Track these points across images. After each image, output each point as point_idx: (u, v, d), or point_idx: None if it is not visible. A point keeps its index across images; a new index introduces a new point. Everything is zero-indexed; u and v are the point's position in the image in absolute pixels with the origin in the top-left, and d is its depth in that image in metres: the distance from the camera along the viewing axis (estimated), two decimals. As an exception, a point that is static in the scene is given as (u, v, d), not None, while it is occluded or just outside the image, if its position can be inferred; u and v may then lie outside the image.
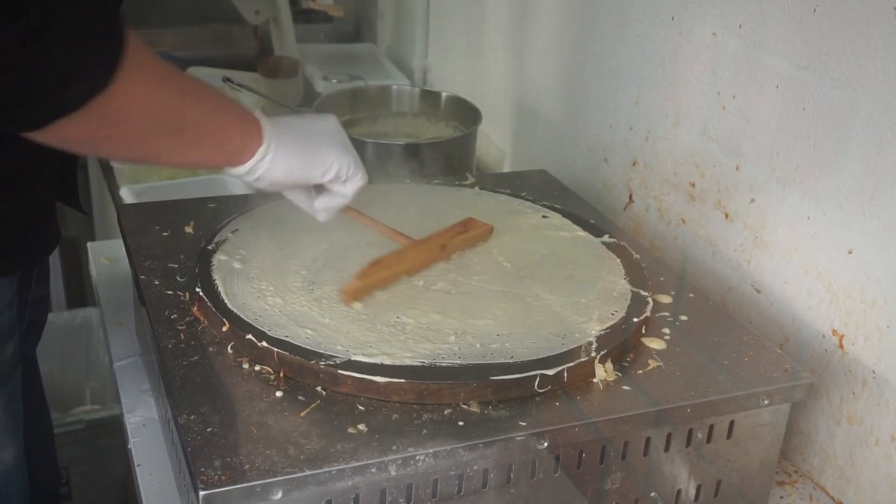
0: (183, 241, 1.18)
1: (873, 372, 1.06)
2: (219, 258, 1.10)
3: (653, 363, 1.00)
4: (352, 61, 2.40)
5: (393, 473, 0.84)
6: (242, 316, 0.99)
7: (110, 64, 0.84)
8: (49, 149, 1.10)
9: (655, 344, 1.03)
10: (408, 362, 0.93)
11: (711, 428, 0.98)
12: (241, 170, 1.01)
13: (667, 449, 0.97)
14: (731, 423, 0.98)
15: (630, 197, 1.49)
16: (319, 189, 1.09)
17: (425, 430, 0.87)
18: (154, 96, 0.91)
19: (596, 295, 1.08)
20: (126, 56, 0.85)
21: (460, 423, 0.88)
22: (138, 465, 1.08)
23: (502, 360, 0.94)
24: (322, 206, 1.10)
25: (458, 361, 0.94)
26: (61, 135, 0.87)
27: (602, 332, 1.00)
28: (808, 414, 1.16)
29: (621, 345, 1.00)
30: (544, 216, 1.28)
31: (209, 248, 1.12)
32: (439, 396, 0.90)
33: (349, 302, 1.03)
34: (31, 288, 1.24)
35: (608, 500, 0.96)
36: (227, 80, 1.74)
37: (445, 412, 0.89)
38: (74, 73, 0.82)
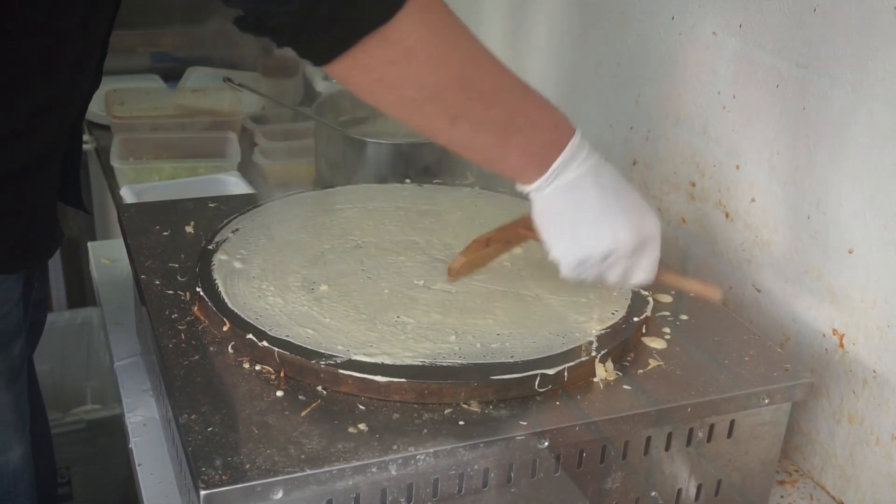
0: (183, 241, 1.18)
1: (874, 371, 1.06)
2: (219, 258, 1.10)
3: (653, 362, 1.00)
4: (352, 61, 2.39)
5: (393, 473, 0.84)
6: (243, 315, 0.99)
7: None
8: (52, 144, 1.10)
9: (656, 343, 1.03)
10: (408, 362, 0.93)
11: (712, 427, 0.98)
12: (522, 188, 0.89)
13: (667, 448, 0.97)
14: (732, 423, 0.99)
15: (630, 196, 1.49)
16: None
17: (426, 430, 0.87)
18: (435, 59, 0.81)
19: (596, 294, 1.08)
20: None
21: (461, 423, 0.88)
22: (139, 465, 1.08)
23: (503, 360, 0.94)
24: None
25: (459, 361, 0.94)
26: (345, 74, 0.81)
27: (602, 332, 1.01)
28: (809, 413, 1.16)
29: (622, 344, 1.00)
30: (544, 216, 1.28)
31: (210, 247, 1.13)
32: (440, 396, 0.90)
33: (453, 278, 1.05)
34: (34, 288, 1.24)
35: (609, 500, 0.96)
36: (227, 79, 1.75)
37: (446, 412, 0.89)
38: (352, 2, 0.76)
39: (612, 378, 0.96)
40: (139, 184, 1.67)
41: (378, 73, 0.81)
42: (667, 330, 1.06)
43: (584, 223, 0.90)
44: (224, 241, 1.14)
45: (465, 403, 0.90)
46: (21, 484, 1.21)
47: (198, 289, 1.04)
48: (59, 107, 1.06)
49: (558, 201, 0.90)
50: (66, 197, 1.24)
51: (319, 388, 0.91)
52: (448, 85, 0.83)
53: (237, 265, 1.09)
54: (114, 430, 2.03)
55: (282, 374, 0.93)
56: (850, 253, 1.08)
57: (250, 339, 0.95)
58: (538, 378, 0.92)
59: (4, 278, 1.09)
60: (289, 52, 0.82)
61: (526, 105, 0.88)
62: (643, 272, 0.95)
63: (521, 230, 1.05)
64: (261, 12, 0.78)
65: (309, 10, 0.77)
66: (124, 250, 1.19)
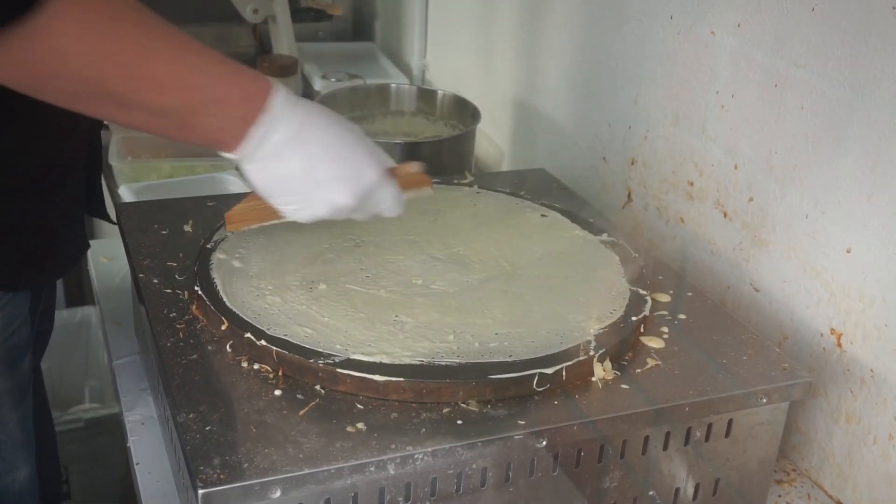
0: (182, 240, 1.18)
1: (871, 371, 1.06)
2: (218, 257, 1.10)
3: (651, 362, 1.00)
4: (350, 60, 2.40)
5: (392, 472, 0.84)
6: (241, 314, 0.99)
7: None
8: (73, 152, 1.08)
9: (654, 343, 1.03)
10: (406, 361, 0.93)
11: (710, 426, 0.98)
12: (231, 156, 0.88)
13: (665, 447, 0.97)
14: (730, 422, 0.99)
15: (629, 196, 1.50)
16: None
17: (424, 429, 0.87)
18: (90, 55, 0.77)
19: (594, 294, 1.08)
20: None
21: (459, 422, 0.88)
22: (137, 464, 1.08)
23: (501, 359, 0.94)
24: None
25: (457, 360, 0.94)
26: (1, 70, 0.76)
27: (601, 331, 1.01)
28: (807, 413, 1.16)
29: (620, 343, 1.00)
30: (543, 215, 1.28)
31: (208, 246, 1.12)
32: (438, 395, 0.90)
33: (231, 227, 1.01)
34: (42, 299, 1.23)
35: (607, 499, 0.96)
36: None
37: (444, 411, 0.89)
38: None
39: (610, 377, 0.96)
40: (137, 182, 1.67)
41: (31, 69, 0.77)
42: (665, 329, 1.06)
43: (298, 193, 0.90)
44: (222, 239, 1.14)
45: (463, 403, 0.91)
46: (26, 502, 1.20)
47: (196, 288, 1.04)
48: (61, 116, 1.04)
49: (267, 172, 0.88)
50: (89, 208, 1.22)
51: (318, 387, 0.91)
52: (110, 77, 0.79)
53: (236, 264, 1.09)
54: (112, 428, 2.03)
55: (280, 373, 0.93)
56: (849, 252, 1.08)
57: (249, 338, 0.95)
58: (536, 377, 0.92)
59: (14, 295, 1.08)
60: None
61: (207, 85, 0.83)
62: (386, 209, 0.96)
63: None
64: None
65: None
66: (123, 249, 1.19)
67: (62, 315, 2.36)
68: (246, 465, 0.80)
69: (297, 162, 0.88)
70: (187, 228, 1.21)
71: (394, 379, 0.90)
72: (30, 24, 0.73)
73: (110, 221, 1.27)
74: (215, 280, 1.05)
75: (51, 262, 1.12)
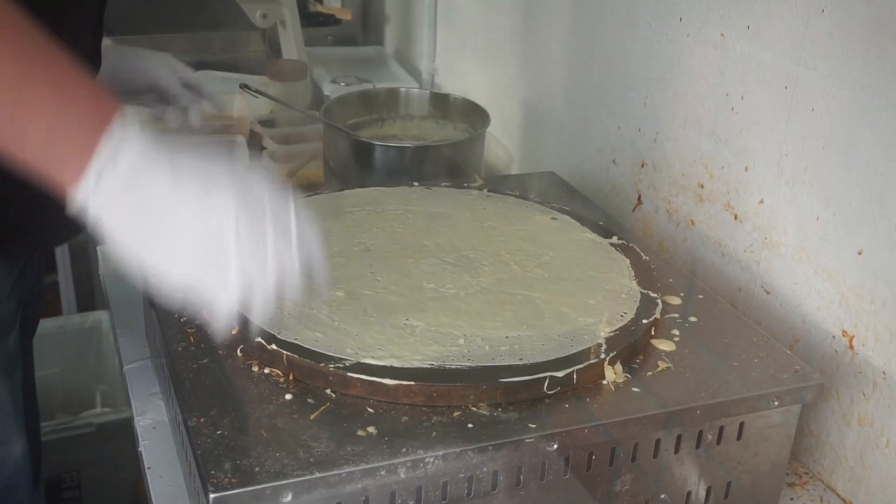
0: (192, 245, 1.18)
1: (883, 373, 1.06)
2: (228, 261, 1.10)
3: (662, 365, 0.99)
4: (359, 64, 2.41)
5: (402, 476, 0.84)
6: (251, 319, 0.99)
7: None
8: None
9: (665, 345, 1.03)
10: (417, 364, 0.93)
11: (721, 429, 0.98)
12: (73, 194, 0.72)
13: (677, 450, 0.96)
14: (742, 425, 0.98)
15: (639, 198, 1.49)
16: None
17: (435, 433, 0.87)
18: None
19: (605, 296, 1.08)
20: None
21: (469, 426, 0.88)
22: (148, 468, 1.08)
23: (511, 362, 0.94)
24: None
25: (468, 363, 0.94)
26: None
27: (611, 334, 1.00)
28: (819, 415, 1.16)
29: (631, 346, 1.00)
30: (553, 218, 1.28)
31: (218, 251, 1.13)
32: (448, 398, 0.90)
33: None
34: (28, 280, 1.24)
35: (618, 502, 0.96)
36: (244, 86, 1.76)
37: (455, 414, 0.89)
38: None
39: (621, 380, 0.96)
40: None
41: None
42: (676, 332, 1.06)
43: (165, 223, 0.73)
44: (233, 244, 1.14)
45: (473, 406, 0.90)
46: (21, 479, 1.22)
47: (207, 292, 1.04)
48: None
49: (123, 205, 0.72)
50: None
51: (328, 391, 0.91)
52: None
53: (246, 268, 1.09)
54: (123, 433, 2.03)
55: (290, 378, 0.93)
56: (860, 254, 1.08)
57: (259, 342, 0.95)
58: (547, 380, 0.92)
59: None
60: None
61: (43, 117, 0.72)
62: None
63: None
64: None
65: None
66: (133, 254, 1.19)
67: (73, 320, 2.37)
68: (257, 469, 0.81)
69: (163, 176, 0.70)
70: (198, 233, 1.21)
71: (404, 383, 0.90)
72: None
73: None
74: (226, 284, 1.05)
75: (37, 234, 1.11)
